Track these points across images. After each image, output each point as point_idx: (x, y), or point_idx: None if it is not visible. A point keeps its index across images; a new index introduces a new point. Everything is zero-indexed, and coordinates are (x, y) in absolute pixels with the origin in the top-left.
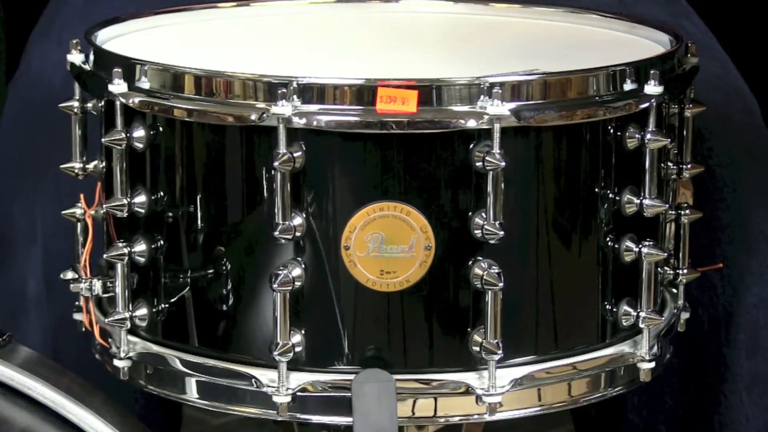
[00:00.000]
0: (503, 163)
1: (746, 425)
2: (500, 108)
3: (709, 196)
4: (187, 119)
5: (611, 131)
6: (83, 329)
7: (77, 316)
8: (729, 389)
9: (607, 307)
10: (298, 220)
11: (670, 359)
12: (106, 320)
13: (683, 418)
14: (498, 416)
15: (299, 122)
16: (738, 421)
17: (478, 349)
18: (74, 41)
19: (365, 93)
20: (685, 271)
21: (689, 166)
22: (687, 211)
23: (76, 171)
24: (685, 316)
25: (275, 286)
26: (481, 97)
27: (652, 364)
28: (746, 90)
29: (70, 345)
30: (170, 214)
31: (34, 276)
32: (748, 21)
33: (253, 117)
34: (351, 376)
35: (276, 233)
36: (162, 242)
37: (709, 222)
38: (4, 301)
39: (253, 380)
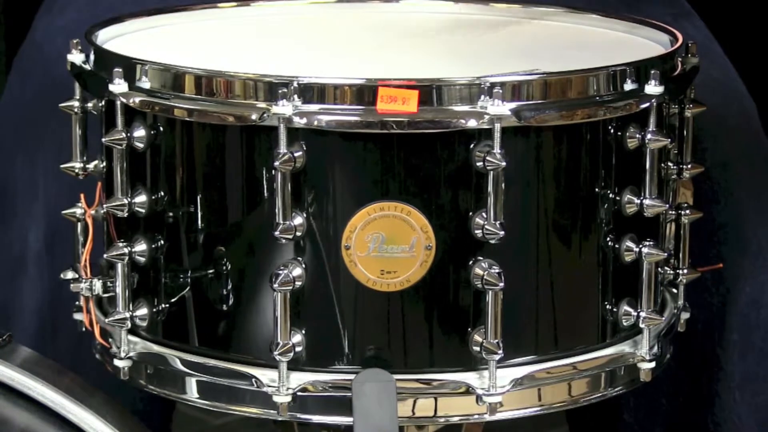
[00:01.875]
0: (504, 163)
1: (739, 424)
2: (501, 108)
3: (703, 196)
4: (187, 119)
5: (611, 131)
6: (83, 329)
7: (77, 316)
8: (722, 389)
9: (608, 307)
10: (298, 220)
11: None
12: (107, 320)
13: (678, 418)
14: (498, 416)
15: (300, 122)
16: (731, 421)
17: (478, 349)
18: (74, 41)
19: (366, 93)
20: (685, 271)
21: (689, 166)
22: (687, 211)
23: (77, 171)
24: (685, 316)
25: (276, 285)
26: (482, 97)
27: (653, 364)
28: (745, 93)
29: (68, 306)
30: (170, 213)
31: (35, 231)
32: (748, 24)
33: (254, 117)
34: (351, 376)
35: (276, 233)
36: (162, 242)
37: (704, 223)
38: (4, 255)
39: (253, 380)
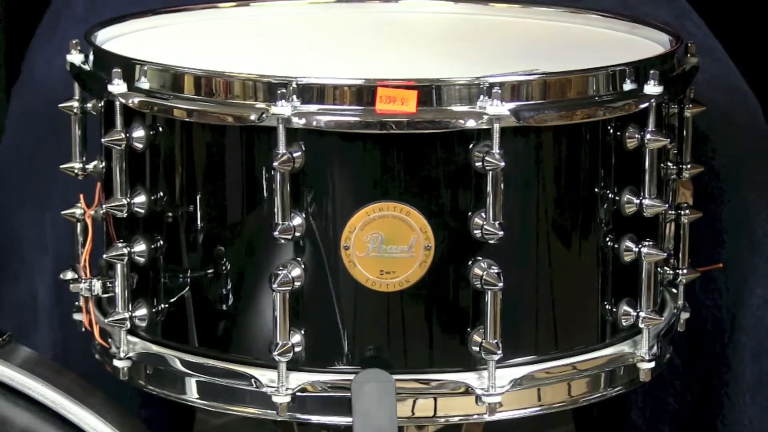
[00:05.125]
0: (503, 163)
1: (749, 427)
2: (500, 108)
3: (712, 196)
4: (186, 119)
5: (611, 131)
6: (83, 329)
7: (77, 317)
8: (732, 391)
9: (607, 307)
10: (297, 220)
11: (673, 360)
12: (106, 320)
13: (686, 419)
14: (498, 416)
15: (299, 122)
16: (741, 423)
17: (477, 349)
18: (74, 41)
19: (365, 93)
20: (685, 271)
21: (689, 166)
22: (687, 211)
23: (76, 171)
24: (684, 316)
25: (275, 286)
26: (481, 97)
27: (652, 364)
28: (748, 91)
29: (80, 354)
30: (170, 214)
31: (45, 285)
32: (749, 22)
33: (253, 117)
34: (351, 376)
35: (276, 233)
36: (162, 242)
37: (713, 223)
38: (14, 310)
39: (252, 380)
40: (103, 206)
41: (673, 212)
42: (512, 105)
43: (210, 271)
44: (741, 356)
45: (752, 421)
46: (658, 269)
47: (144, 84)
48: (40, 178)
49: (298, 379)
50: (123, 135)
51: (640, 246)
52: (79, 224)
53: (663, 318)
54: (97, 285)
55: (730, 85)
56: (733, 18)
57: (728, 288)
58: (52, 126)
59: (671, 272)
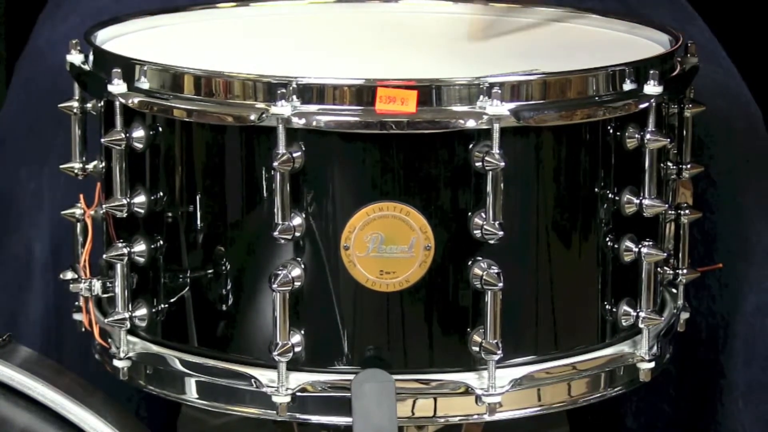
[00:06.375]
0: (503, 163)
1: None
2: (500, 108)
3: (708, 203)
4: (186, 119)
5: (611, 131)
6: (83, 329)
7: (77, 317)
8: (726, 397)
9: (607, 307)
10: (297, 221)
11: (668, 366)
12: (106, 320)
13: (680, 425)
14: (498, 416)
15: (299, 122)
16: (734, 429)
17: (477, 349)
18: (74, 41)
19: (365, 93)
20: (685, 271)
21: (689, 166)
22: (687, 211)
23: (76, 171)
24: (684, 316)
25: (275, 286)
26: (481, 97)
27: (652, 364)
28: (749, 97)
29: (79, 354)
30: (170, 214)
31: (41, 240)
32: (752, 27)
33: (253, 117)
34: (351, 376)
35: (275, 233)
36: (161, 242)
37: (708, 229)
38: (10, 265)
39: (252, 380)
40: (103, 206)
41: (673, 212)
42: (512, 105)
43: (210, 271)
44: (735, 363)
45: (745, 427)
46: (658, 269)
47: (144, 84)
48: (42, 153)
49: (298, 379)
50: (123, 135)
51: (640, 246)
52: (78, 224)
53: (663, 318)
54: (97, 285)
55: (731, 91)
56: (737, 24)
57: (722, 295)
58: (54, 92)
59: (671, 272)
